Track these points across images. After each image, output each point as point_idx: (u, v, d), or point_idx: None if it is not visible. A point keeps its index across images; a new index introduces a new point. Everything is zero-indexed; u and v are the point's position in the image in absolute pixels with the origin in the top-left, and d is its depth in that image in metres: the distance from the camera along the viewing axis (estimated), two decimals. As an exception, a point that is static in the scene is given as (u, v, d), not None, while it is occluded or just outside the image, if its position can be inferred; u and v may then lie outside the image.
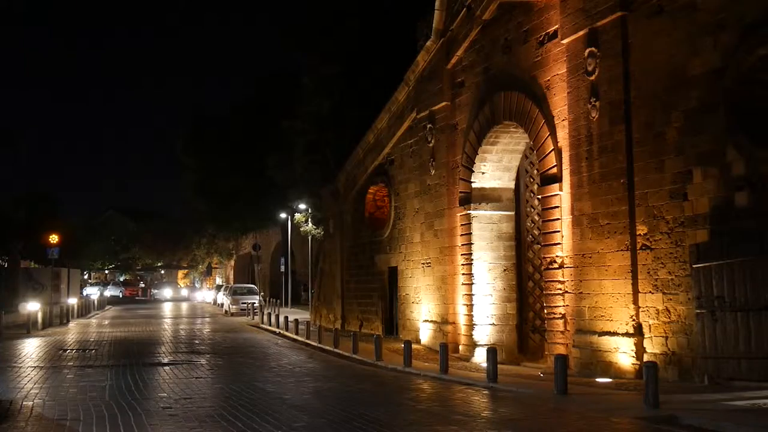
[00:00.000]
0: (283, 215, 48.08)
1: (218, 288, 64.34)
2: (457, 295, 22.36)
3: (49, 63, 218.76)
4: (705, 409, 11.23)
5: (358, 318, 30.81)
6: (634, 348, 15.41)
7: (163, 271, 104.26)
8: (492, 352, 15.57)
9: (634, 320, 15.51)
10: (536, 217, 20.68)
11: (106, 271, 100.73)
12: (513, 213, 21.64)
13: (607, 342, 16.02)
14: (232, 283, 68.14)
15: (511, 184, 21.71)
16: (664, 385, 12.69)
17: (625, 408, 11.87)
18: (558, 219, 17.99)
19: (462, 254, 22.02)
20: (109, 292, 78.81)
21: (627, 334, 15.57)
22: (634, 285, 15.52)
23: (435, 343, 21.95)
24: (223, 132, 52.28)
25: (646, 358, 15.00)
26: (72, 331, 31.65)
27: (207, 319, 42.26)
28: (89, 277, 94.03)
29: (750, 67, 13.45)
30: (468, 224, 21.63)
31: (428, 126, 24.43)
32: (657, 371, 11.82)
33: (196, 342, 26.63)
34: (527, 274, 21.42)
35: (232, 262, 76.48)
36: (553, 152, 18.16)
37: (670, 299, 14.79)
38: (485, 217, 21.50)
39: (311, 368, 19.12)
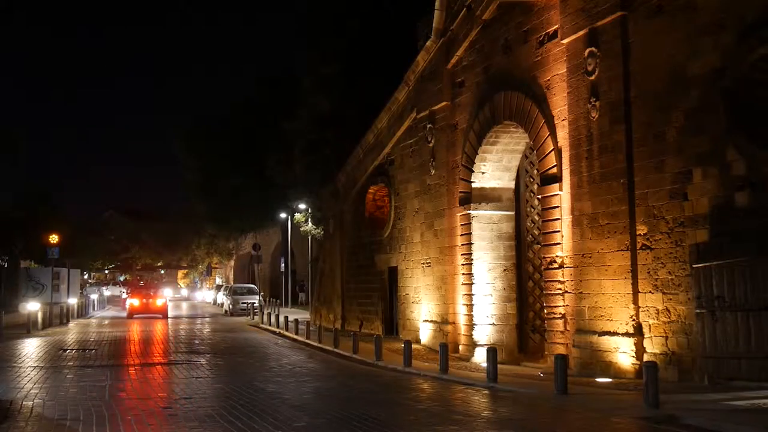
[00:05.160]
0: (283, 215, 48.09)
1: (218, 288, 64.34)
2: (457, 295, 22.36)
3: (49, 63, 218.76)
4: (705, 409, 11.23)
5: (358, 318, 30.81)
6: (634, 348, 15.41)
7: (163, 271, 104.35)
8: (492, 352, 15.57)
9: (634, 320, 15.51)
10: (536, 217, 20.69)
11: (106, 271, 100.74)
12: (513, 213, 21.64)
13: (607, 342, 16.02)
14: (232, 283, 68.14)
15: (511, 184, 21.71)
16: (664, 385, 12.69)
17: (625, 408, 11.87)
18: (558, 219, 18.00)
19: (462, 254, 22.03)
20: (108, 292, 78.86)
21: (627, 334, 15.57)
22: (634, 285, 15.52)
23: (435, 343, 21.96)
24: (223, 132, 52.23)
25: (646, 358, 15.00)
26: (72, 331, 31.63)
27: (207, 319, 42.32)
28: (89, 278, 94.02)
29: (750, 67, 13.45)
30: (468, 224, 21.63)
31: (428, 126, 24.43)
32: (657, 371, 11.82)
33: (196, 342, 26.64)
34: (527, 274, 21.43)
35: (232, 262, 76.43)
36: (553, 152, 18.16)
37: (670, 299, 14.79)
38: (485, 217, 21.50)
39: (311, 368, 19.12)
